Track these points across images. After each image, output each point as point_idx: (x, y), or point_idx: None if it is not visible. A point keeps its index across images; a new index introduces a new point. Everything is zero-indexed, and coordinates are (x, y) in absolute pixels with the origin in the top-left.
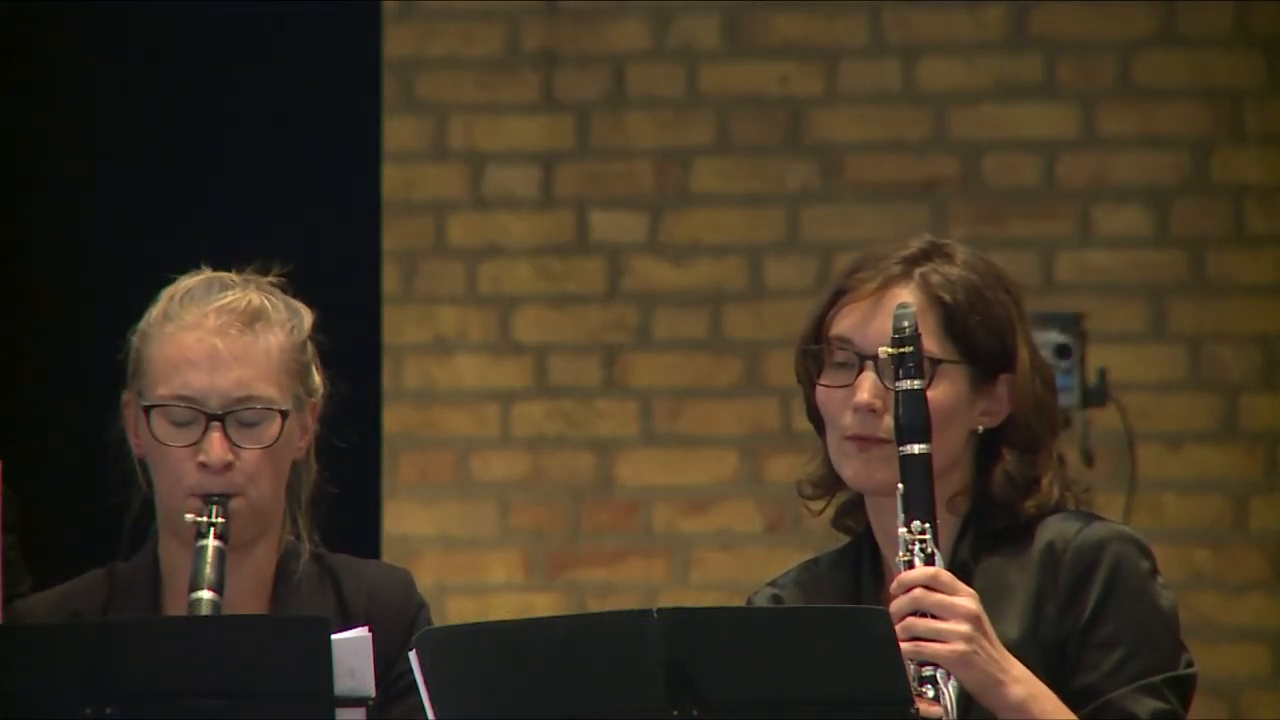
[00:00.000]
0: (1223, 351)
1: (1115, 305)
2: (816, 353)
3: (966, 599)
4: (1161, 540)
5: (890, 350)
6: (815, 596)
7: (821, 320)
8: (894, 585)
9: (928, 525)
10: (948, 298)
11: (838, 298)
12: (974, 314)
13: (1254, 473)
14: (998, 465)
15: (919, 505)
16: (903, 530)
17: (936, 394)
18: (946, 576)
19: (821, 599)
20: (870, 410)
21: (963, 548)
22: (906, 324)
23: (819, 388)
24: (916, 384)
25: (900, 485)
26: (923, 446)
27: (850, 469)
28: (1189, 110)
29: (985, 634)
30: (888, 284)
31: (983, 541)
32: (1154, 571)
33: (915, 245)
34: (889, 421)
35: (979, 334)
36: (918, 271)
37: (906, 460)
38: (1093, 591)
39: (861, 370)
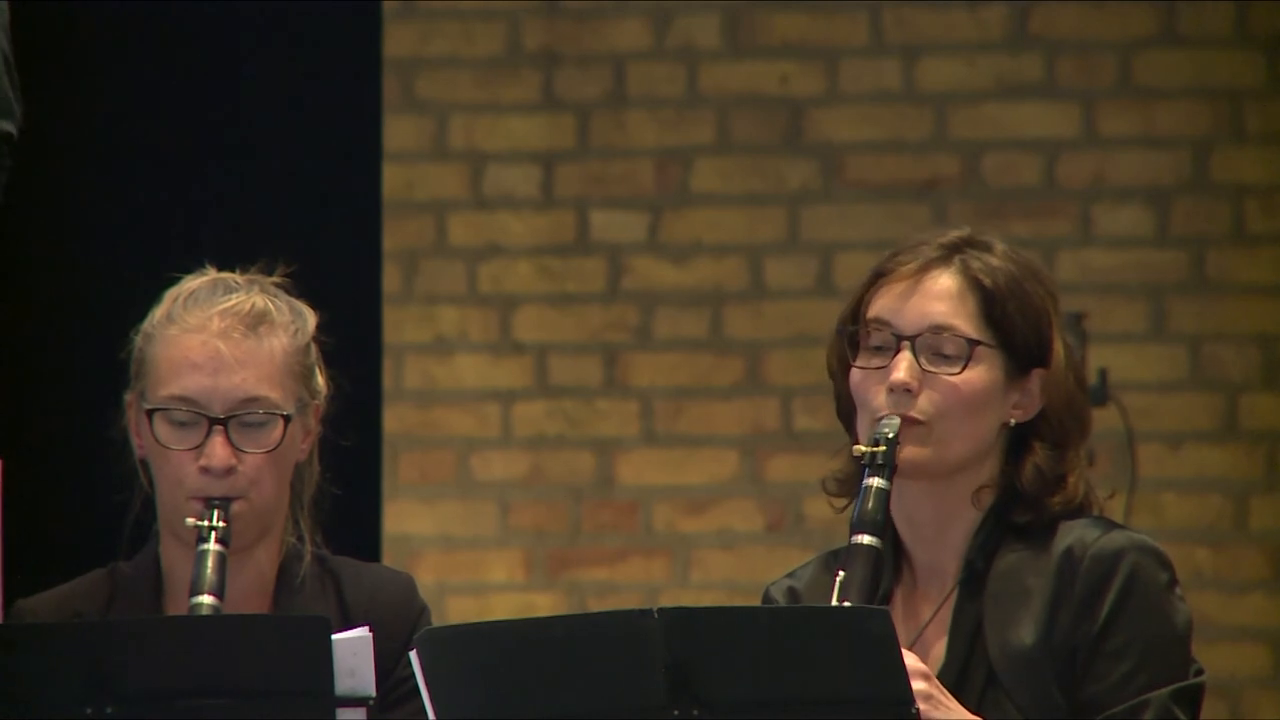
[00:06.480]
0: (1223, 351)
1: (1115, 305)
2: (853, 334)
3: (912, 659)
4: (1162, 540)
5: (865, 449)
6: (832, 585)
7: (859, 303)
8: None
9: None
10: (987, 282)
11: (876, 280)
12: (1012, 301)
13: (1254, 472)
14: (1028, 458)
15: (854, 594)
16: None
17: (972, 376)
18: None
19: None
20: (906, 389)
21: (974, 546)
22: (889, 431)
23: (854, 369)
24: (884, 484)
25: (841, 571)
26: (873, 540)
27: None
28: (1189, 110)
29: (939, 688)
30: (927, 267)
31: (1002, 538)
32: (1172, 584)
33: (955, 234)
34: (923, 402)
35: (1016, 322)
36: (958, 257)
37: (856, 548)
38: (1107, 600)
39: (898, 351)
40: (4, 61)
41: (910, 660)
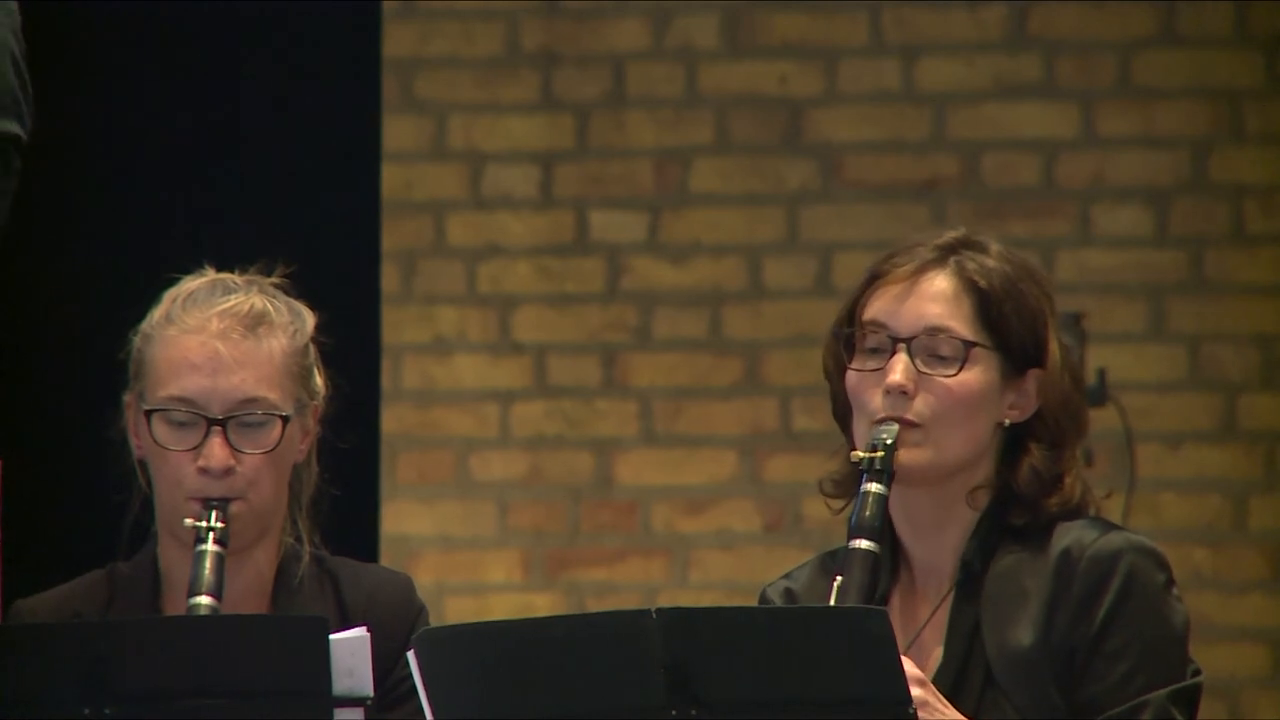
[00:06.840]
0: (1222, 351)
1: (1115, 305)
2: (848, 336)
3: (908, 665)
4: (1161, 540)
5: (863, 454)
6: (829, 588)
7: (854, 305)
8: None
9: None
10: (983, 283)
11: (872, 282)
12: (1008, 301)
13: (1253, 472)
14: (1025, 459)
15: (852, 599)
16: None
17: (968, 378)
18: None
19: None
20: (902, 391)
21: (971, 548)
22: (886, 437)
23: (849, 372)
24: (882, 490)
25: (839, 576)
26: (871, 544)
27: None
28: (1189, 110)
29: (935, 694)
30: (923, 269)
31: (998, 539)
32: (1169, 584)
33: (950, 236)
34: (919, 405)
35: (1012, 322)
36: (953, 258)
37: (854, 553)
38: (1104, 601)
39: (894, 353)
40: (13, 64)
41: (907, 666)
